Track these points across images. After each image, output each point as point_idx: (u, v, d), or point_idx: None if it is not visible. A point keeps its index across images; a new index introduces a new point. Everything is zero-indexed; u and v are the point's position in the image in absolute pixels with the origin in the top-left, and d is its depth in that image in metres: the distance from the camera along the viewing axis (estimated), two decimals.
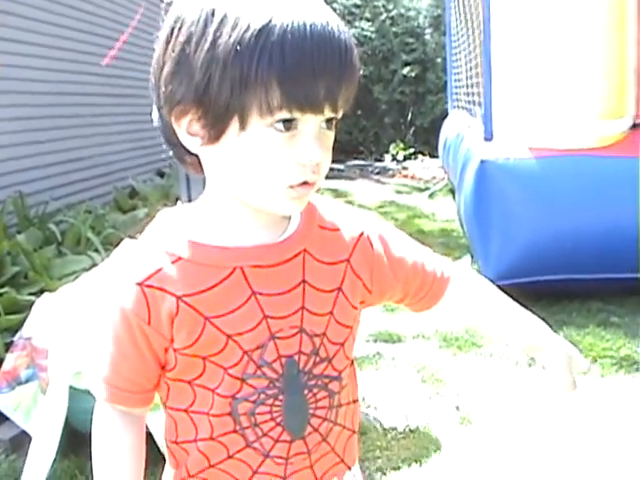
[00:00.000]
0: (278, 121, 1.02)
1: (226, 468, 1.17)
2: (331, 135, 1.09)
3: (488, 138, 4.86)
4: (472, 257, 5.35)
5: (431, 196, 9.63)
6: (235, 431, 1.15)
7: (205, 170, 1.12)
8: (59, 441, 2.75)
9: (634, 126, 4.84)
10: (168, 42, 1.05)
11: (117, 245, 3.96)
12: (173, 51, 1.04)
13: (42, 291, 3.81)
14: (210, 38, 1.00)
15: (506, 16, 5.10)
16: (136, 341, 1.12)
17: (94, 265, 4.38)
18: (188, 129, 1.07)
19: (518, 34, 4.98)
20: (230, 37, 0.99)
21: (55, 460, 2.76)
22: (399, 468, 2.98)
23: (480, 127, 5.12)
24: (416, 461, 3.03)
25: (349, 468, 1.30)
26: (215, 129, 1.04)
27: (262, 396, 1.14)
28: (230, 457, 1.16)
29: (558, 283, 4.61)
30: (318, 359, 1.16)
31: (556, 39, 4.80)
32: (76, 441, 2.97)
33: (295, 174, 1.05)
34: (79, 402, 2.79)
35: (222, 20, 1.00)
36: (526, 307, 4.33)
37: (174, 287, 1.10)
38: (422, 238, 6.85)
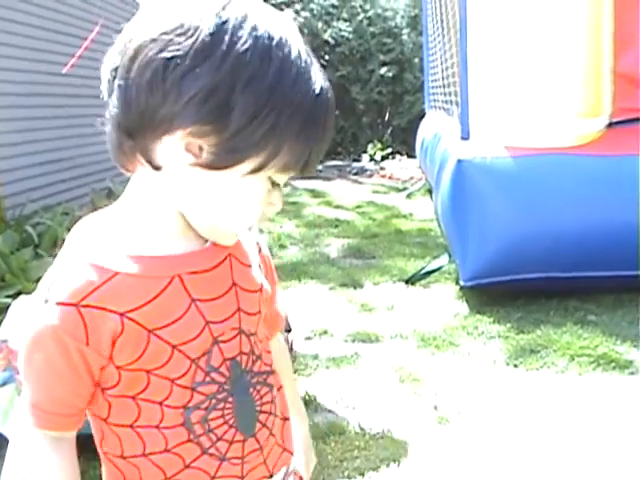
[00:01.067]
0: (271, 177, 1.07)
1: (183, 478, 1.15)
2: None
3: (465, 137, 4.88)
4: (450, 256, 5.37)
5: (409, 196, 9.65)
6: (190, 440, 1.14)
7: (153, 178, 1.08)
8: None
9: (610, 125, 4.86)
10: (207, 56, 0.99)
11: None
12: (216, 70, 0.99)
13: (19, 293, 3.78)
14: (267, 83, 1.00)
15: (483, 15, 5.11)
16: (72, 362, 1.08)
17: None
18: (188, 146, 1.03)
19: (495, 33, 5.00)
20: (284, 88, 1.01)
21: None
22: (377, 468, 2.98)
23: (457, 126, 5.13)
24: (394, 461, 3.04)
25: (292, 454, 1.32)
26: (228, 161, 1.03)
27: (213, 401, 1.14)
28: (187, 467, 1.15)
29: (536, 282, 4.63)
30: (255, 357, 1.19)
31: (533, 38, 4.81)
32: None
33: (258, 219, 1.11)
34: None
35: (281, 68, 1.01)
36: (504, 306, 4.37)
37: (115, 304, 1.06)
38: (400, 238, 6.90)
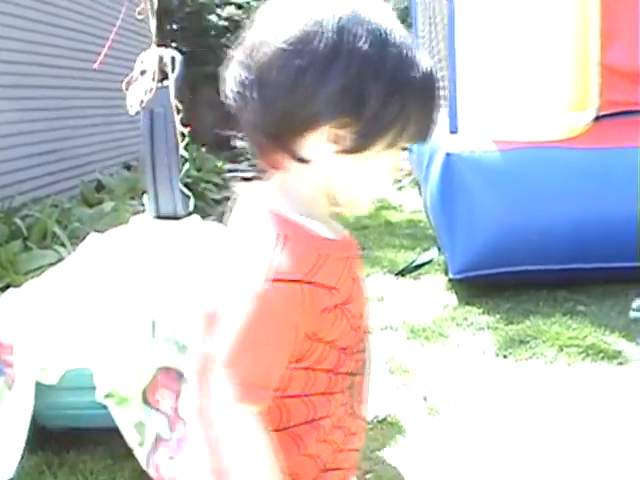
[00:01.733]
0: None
1: (337, 438, 1.28)
2: None
3: (453, 131, 4.89)
4: (439, 249, 5.38)
5: (400, 188, 9.66)
6: (343, 405, 1.28)
7: (301, 170, 1.19)
8: (26, 437, 2.74)
9: (597, 118, 4.87)
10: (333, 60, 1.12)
11: (83, 239, 3.95)
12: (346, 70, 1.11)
13: (8, 286, 3.78)
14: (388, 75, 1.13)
15: (471, 9, 5.12)
16: (290, 337, 1.16)
17: (60, 259, 4.36)
18: (331, 137, 1.15)
19: (483, 27, 5.00)
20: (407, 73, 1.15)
21: (22, 457, 2.75)
22: (369, 459, 3.00)
23: (446, 120, 5.14)
24: (385, 451, 3.05)
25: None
26: (368, 144, 1.17)
27: (359, 367, 1.30)
28: (338, 427, 1.28)
29: (524, 274, 4.65)
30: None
31: (520, 32, 4.82)
32: (43, 437, 2.96)
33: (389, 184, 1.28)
34: (45, 398, 2.78)
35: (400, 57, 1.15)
36: (493, 297, 4.38)
37: (328, 281, 1.18)
38: (390, 229, 6.92)
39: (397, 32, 1.16)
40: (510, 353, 3.96)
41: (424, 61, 1.17)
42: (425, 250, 5.80)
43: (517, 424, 3.26)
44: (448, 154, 4.64)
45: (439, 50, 7.19)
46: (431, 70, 1.18)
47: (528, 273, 4.65)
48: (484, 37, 4.97)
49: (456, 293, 4.86)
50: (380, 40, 1.13)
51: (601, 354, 3.89)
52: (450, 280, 4.92)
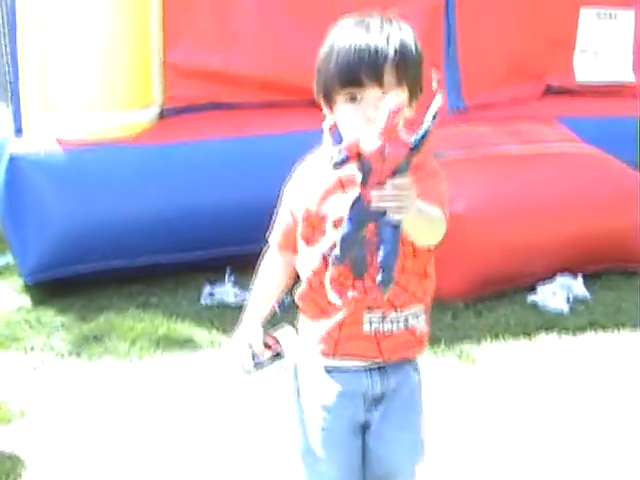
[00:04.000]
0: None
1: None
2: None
3: (18, 132, 4.79)
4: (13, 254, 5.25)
5: None
6: None
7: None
8: None
9: (162, 115, 5.02)
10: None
11: None
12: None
13: None
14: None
15: (32, 5, 5.05)
16: None
17: None
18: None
19: (47, 23, 4.95)
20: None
21: None
22: None
23: (11, 121, 5.01)
24: None
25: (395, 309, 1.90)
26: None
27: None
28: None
29: (98, 271, 4.69)
30: None
31: (82, 30, 4.84)
32: None
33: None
34: None
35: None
36: (68, 296, 4.29)
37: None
38: None
39: (339, 46, 1.82)
40: (83, 351, 3.99)
41: (341, 57, 1.81)
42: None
43: (128, 424, 3.31)
44: (12, 156, 4.56)
45: (6, 45, 6.96)
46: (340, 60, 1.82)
47: (102, 270, 4.70)
48: (48, 33, 4.92)
49: (31, 296, 4.76)
50: (331, 46, 1.85)
51: (172, 343, 4.05)
52: (25, 283, 4.82)
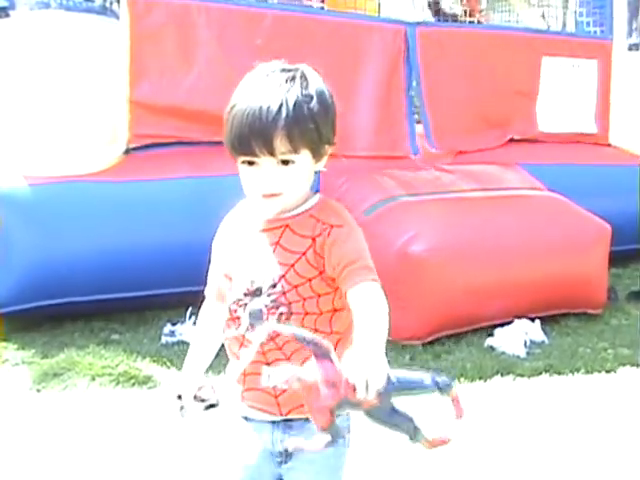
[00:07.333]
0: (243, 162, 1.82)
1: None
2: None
3: None
4: None
5: None
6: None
7: None
8: None
9: (127, 151, 5.07)
10: None
11: None
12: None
13: None
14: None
15: (5, 40, 5.12)
16: None
17: None
18: None
19: (16, 60, 5.02)
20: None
21: None
22: None
23: None
24: None
25: None
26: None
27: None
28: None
29: (62, 306, 4.70)
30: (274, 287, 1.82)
31: (52, 68, 4.91)
32: None
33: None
34: None
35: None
36: (30, 332, 4.31)
37: None
38: None
39: (236, 109, 1.80)
40: (44, 387, 4.00)
41: (236, 123, 1.78)
42: None
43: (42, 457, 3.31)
44: None
45: None
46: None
47: (65, 305, 4.72)
48: (16, 71, 4.97)
49: None
50: (229, 110, 1.84)
51: (132, 380, 4.07)
52: None
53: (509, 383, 4.18)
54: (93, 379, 4.06)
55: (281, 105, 1.73)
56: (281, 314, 1.78)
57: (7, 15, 5.66)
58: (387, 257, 4.42)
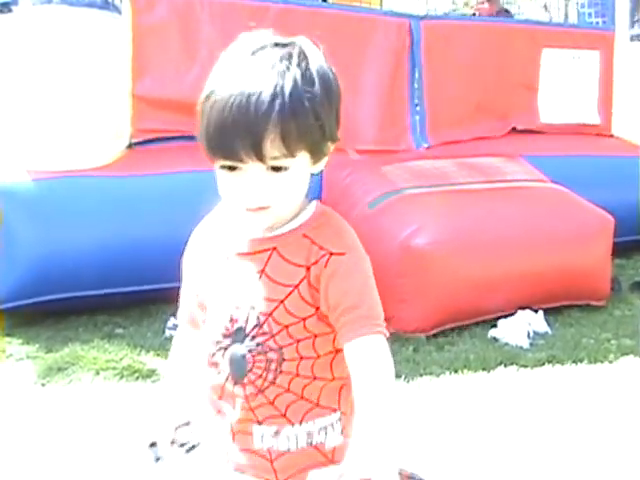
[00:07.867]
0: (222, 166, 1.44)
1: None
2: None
3: None
4: None
5: None
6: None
7: None
8: None
9: (130, 146, 5.08)
10: None
11: None
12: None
13: None
14: None
15: (5, 35, 5.12)
16: None
17: None
18: None
19: (17, 54, 5.02)
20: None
21: None
22: None
23: None
24: None
25: (292, 424, 1.48)
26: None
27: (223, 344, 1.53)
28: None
29: (64, 301, 4.71)
30: (262, 331, 1.48)
31: (53, 63, 4.92)
32: None
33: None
34: None
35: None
36: (34, 326, 4.33)
37: None
38: None
39: (215, 98, 1.43)
40: (49, 381, 4.01)
41: (214, 119, 1.41)
42: None
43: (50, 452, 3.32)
44: None
45: None
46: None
47: (69, 300, 4.72)
48: (18, 65, 4.98)
49: None
50: (204, 100, 1.49)
51: (136, 374, 4.08)
52: None
53: (512, 374, 4.19)
54: (97, 373, 4.07)
55: (274, 94, 1.34)
56: (269, 361, 1.46)
57: (9, 10, 5.66)
58: (391, 250, 4.45)
